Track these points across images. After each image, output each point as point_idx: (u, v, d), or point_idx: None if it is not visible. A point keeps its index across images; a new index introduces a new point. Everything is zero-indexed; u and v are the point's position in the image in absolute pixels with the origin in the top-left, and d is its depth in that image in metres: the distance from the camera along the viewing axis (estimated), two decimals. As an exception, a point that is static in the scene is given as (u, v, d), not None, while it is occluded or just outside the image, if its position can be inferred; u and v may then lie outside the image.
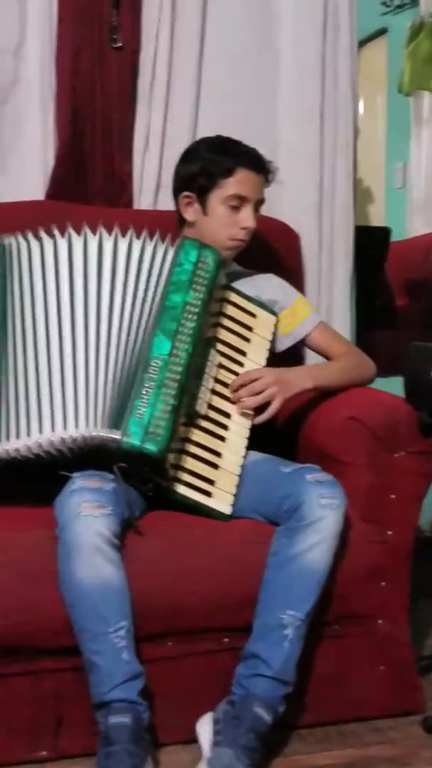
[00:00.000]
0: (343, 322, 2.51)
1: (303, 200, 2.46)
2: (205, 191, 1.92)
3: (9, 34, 2.21)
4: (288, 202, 2.43)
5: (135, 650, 1.53)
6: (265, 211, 2.06)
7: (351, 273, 2.54)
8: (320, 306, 2.47)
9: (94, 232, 1.77)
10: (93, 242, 1.76)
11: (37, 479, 1.68)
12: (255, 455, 1.81)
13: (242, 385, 1.78)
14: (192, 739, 1.62)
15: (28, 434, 1.63)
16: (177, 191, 1.99)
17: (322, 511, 1.61)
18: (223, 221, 1.92)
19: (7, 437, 1.65)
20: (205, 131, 2.22)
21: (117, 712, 1.49)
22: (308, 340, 2.01)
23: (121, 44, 2.29)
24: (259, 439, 1.82)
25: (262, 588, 1.62)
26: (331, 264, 2.50)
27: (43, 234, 1.77)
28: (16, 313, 1.72)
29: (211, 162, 1.92)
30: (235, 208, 1.92)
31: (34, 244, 1.76)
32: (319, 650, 1.73)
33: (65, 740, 1.61)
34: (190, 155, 2.00)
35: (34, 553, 1.57)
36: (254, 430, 1.80)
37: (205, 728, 1.60)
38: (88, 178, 2.30)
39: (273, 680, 1.57)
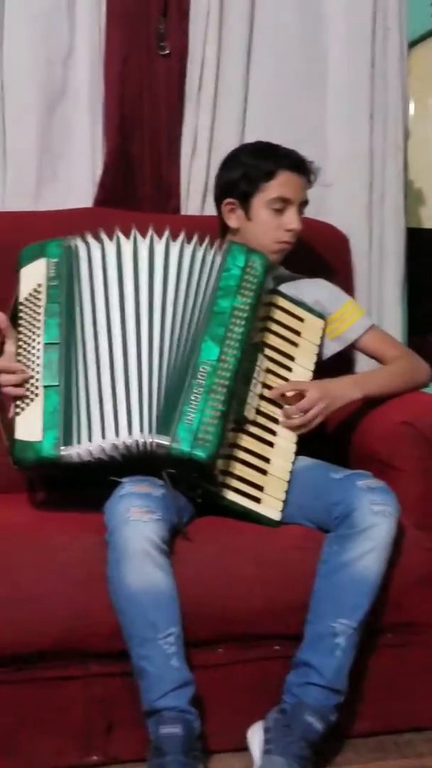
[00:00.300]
0: (394, 325, 2.48)
1: (353, 203, 2.44)
2: (248, 197, 1.91)
3: (59, 45, 2.24)
4: (337, 205, 2.42)
5: (185, 657, 1.53)
6: (314, 213, 2.05)
7: (402, 276, 2.52)
8: (371, 309, 2.45)
9: (144, 236, 1.78)
10: (143, 247, 1.77)
11: (86, 484, 1.69)
12: (305, 461, 1.79)
13: (285, 395, 1.76)
14: (243, 747, 1.61)
15: (89, 439, 1.64)
16: (219, 199, 1.99)
17: (374, 518, 1.59)
18: (267, 225, 1.91)
19: (78, 441, 1.64)
20: (253, 136, 2.22)
21: (168, 722, 1.48)
22: (359, 344, 1.99)
23: (168, 51, 2.30)
24: (310, 444, 1.81)
25: (313, 596, 1.61)
26: (381, 267, 2.48)
27: (103, 236, 1.78)
28: (85, 316, 1.73)
29: (251, 167, 1.92)
30: (279, 211, 1.91)
31: (95, 247, 1.78)
32: (373, 659, 1.71)
33: (116, 745, 1.61)
34: (230, 162, 1.99)
35: (84, 558, 1.57)
36: (305, 435, 1.78)
37: (255, 737, 1.59)
38: (136, 185, 2.31)
39: (325, 689, 1.56)
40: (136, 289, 1.74)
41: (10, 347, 1.72)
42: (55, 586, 1.55)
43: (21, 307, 1.74)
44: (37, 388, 1.67)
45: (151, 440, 1.62)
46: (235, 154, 2.01)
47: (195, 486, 1.67)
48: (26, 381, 1.68)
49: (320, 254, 2.23)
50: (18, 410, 1.68)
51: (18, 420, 1.67)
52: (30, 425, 1.65)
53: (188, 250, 1.78)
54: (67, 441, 1.63)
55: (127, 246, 1.77)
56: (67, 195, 2.27)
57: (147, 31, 2.28)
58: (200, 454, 1.59)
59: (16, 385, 1.69)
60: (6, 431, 1.70)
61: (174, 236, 1.78)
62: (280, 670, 1.61)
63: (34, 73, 2.22)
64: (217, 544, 1.64)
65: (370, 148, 2.44)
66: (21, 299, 1.74)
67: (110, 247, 1.78)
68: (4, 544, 1.58)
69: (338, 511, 1.62)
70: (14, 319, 1.75)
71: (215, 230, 1.99)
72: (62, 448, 1.62)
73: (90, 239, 1.79)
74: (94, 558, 1.55)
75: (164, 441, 1.61)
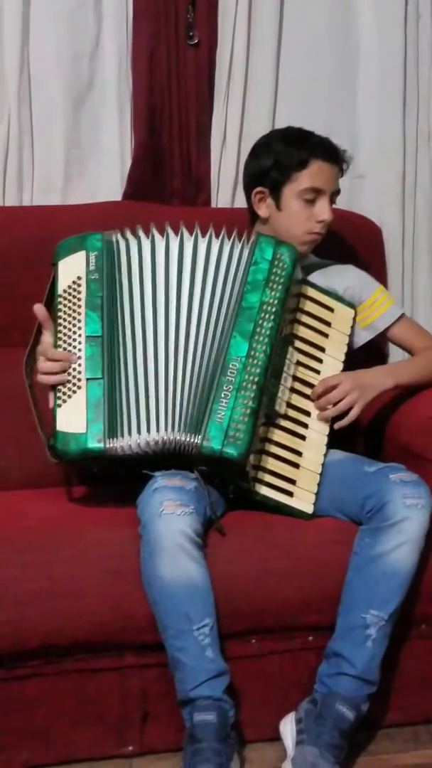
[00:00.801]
0: (426, 315, 2.47)
1: (386, 194, 2.43)
2: (279, 185, 1.87)
3: (86, 39, 2.24)
4: (370, 196, 2.40)
5: (219, 648, 1.54)
6: (346, 205, 2.03)
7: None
8: (403, 301, 2.44)
9: (175, 232, 1.77)
10: (174, 243, 1.76)
11: (118, 479, 1.69)
12: (338, 454, 1.79)
13: (323, 393, 1.75)
14: (277, 737, 1.62)
15: (131, 433, 1.64)
16: (248, 187, 1.94)
17: (407, 511, 1.58)
18: (298, 215, 1.88)
19: (122, 434, 1.65)
20: (284, 126, 2.20)
21: (202, 709, 1.49)
22: (389, 333, 1.97)
23: (197, 41, 2.29)
24: (344, 437, 1.80)
25: (345, 587, 1.61)
26: (413, 258, 2.46)
27: (141, 233, 1.78)
28: (125, 311, 1.73)
29: (283, 155, 1.87)
30: (311, 202, 1.87)
31: (133, 243, 1.77)
32: (407, 650, 1.71)
33: (151, 736, 1.63)
34: (260, 149, 1.94)
35: (119, 551, 1.58)
36: (343, 429, 1.77)
37: (288, 728, 1.60)
38: (166, 178, 2.31)
39: (356, 679, 1.56)
40: (167, 287, 1.73)
41: (47, 338, 1.71)
42: (90, 579, 1.56)
43: (60, 299, 1.73)
44: (79, 380, 1.66)
45: (178, 438, 1.62)
46: (267, 141, 1.95)
47: (227, 482, 1.67)
48: (66, 371, 1.67)
49: (354, 246, 2.22)
50: (59, 402, 1.66)
51: (59, 412, 1.65)
52: (73, 417, 1.64)
53: (215, 245, 1.76)
54: (112, 434, 1.63)
55: (160, 243, 1.76)
56: (95, 189, 2.27)
57: (175, 22, 2.27)
58: (231, 452, 1.59)
59: (56, 375, 1.67)
60: (41, 424, 1.70)
61: (203, 230, 1.77)
62: (314, 661, 1.62)
63: (61, 67, 2.22)
64: (251, 537, 1.65)
65: (403, 138, 2.42)
66: (60, 291, 1.73)
67: (146, 244, 1.76)
68: (39, 538, 1.60)
69: (371, 504, 1.62)
70: (50, 310, 1.74)
71: (245, 223, 1.97)
72: (108, 440, 1.62)
73: (129, 235, 1.78)
74: (128, 551, 1.56)
75: (195, 439, 1.61)
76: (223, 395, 1.62)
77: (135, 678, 1.61)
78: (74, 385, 1.66)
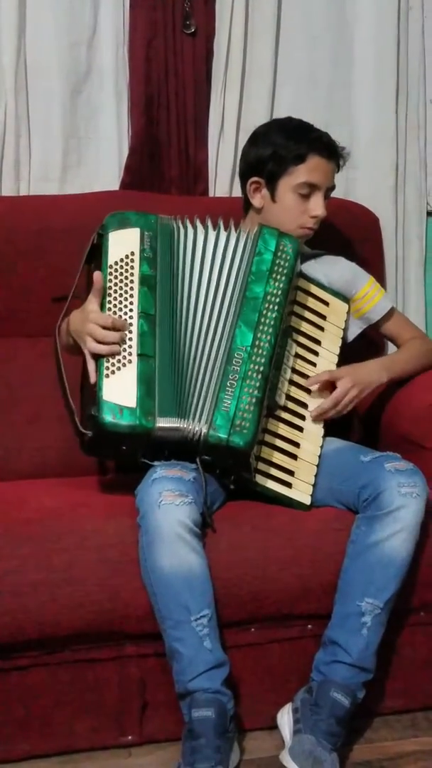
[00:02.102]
0: (416, 301, 2.49)
1: (379, 185, 2.43)
2: (275, 177, 1.86)
3: (82, 26, 2.22)
4: (364, 187, 2.40)
5: (218, 638, 1.54)
6: (341, 195, 2.01)
7: (423, 256, 2.51)
8: (396, 289, 2.44)
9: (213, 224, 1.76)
10: (209, 235, 1.75)
11: (118, 468, 1.69)
12: (335, 443, 1.79)
13: (321, 385, 1.76)
14: (276, 726, 1.63)
15: (173, 416, 1.61)
16: (245, 175, 1.93)
17: (402, 499, 1.59)
18: (292, 209, 1.87)
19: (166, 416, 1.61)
20: (282, 116, 2.18)
21: (200, 704, 1.49)
22: (380, 325, 1.99)
23: (194, 29, 2.27)
24: (342, 426, 1.81)
25: (341, 575, 1.61)
26: (405, 247, 2.47)
27: (188, 222, 1.77)
28: (177, 294, 1.71)
29: (282, 147, 1.85)
30: (305, 196, 1.86)
31: (189, 230, 1.75)
32: (405, 637, 1.72)
33: (150, 725, 1.63)
34: (259, 138, 1.92)
35: (118, 541, 1.58)
36: (336, 419, 1.78)
37: (285, 719, 1.61)
38: (163, 167, 2.30)
39: (352, 667, 1.57)
40: (193, 275, 1.73)
41: (94, 305, 1.66)
42: (90, 569, 1.56)
43: (110, 271, 1.69)
44: (130, 354, 1.63)
45: (184, 426, 1.61)
46: (266, 131, 1.93)
47: (229, 472, 1.67)
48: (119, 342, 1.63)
49: (352, 234, 2.22)
50: (107, 372, 1.61)
51: (106, 382, 1.60)
52: (121, 390, 1.59)
53: (223, 235, 1.75)
54: (162, 413, 1.60)
55: (200, 235, 1.75)
56: (93, 179, 2.26)
57: (172, 10, 2.25)
58: (238, 441, 1.59)
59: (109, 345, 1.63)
60: (69, 391, 1.67)
61: (202, 219, 1.77)
62: (313, 650, 1.63)
63: (58, 55, 2.21)
64: (251, 527, 1.65)
65: (396, 129, 2.42)
66: (110, 262, 1.69)
67: (190, 233, 1.75)
68: (39, 528, 1.60)
69: (366, 494, 1.62)
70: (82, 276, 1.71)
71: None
72: (158, 419, 1.59)
73: (179, 223, 1.76)
74: (127, 541, 1.57)
75: (202, 428, 1.61)
76: (228, 384, 1.62)
77: (134, 668, 1.61)
78: (124, 358, 1.63)
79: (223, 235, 1.76)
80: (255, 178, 1.89)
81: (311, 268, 1.91)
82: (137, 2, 2.23)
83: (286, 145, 1.85)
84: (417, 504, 1.60)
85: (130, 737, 1.63)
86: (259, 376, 1.63)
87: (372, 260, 2.21)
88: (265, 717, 1.65)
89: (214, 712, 1.48)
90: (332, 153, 1.88)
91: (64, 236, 2.02)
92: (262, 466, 1.69)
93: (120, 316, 1.65)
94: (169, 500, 1.52)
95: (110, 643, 1.60)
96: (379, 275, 2.26)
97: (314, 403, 1.76)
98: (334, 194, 1.93)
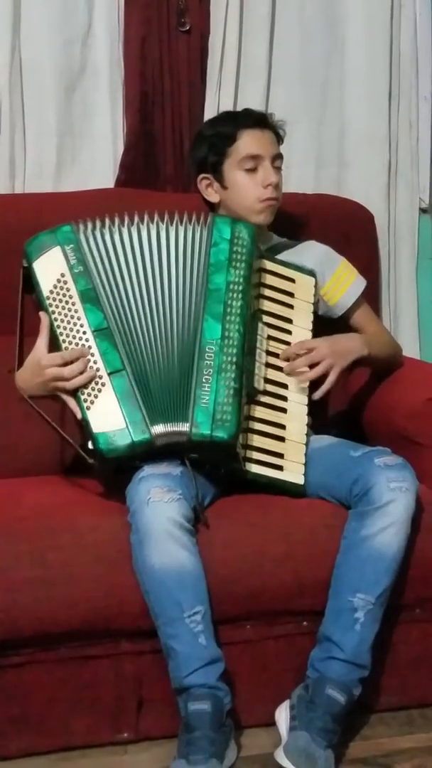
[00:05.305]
0: (408, 297, 2.50)
1: (372, 182, 2.43)
2: (218, 166, 1.90)
3: (77, 24, 2.22)
4: (356, 184, 2.40)
5: (214, 634, 1.54)
6: (334, 193, 2.01)
7: (415, 252, 2.51)
8: (389, 281, 2.45)
9: (162, 218, 1.76)
10: (144, 230, 1.75)
11: (107, 469, 1.68)
12: (327, 439, 1.79)
13: (297, 355, 1.75)
14: (273, 723, 1.63)
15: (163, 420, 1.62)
16: (195, 179, 1.97)
17: (392, 494, 1.59)
18: (244, 187, 1.89)
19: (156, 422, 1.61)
20: (275, 113, 2.18)
21: (197, 698, 1.49)
22: (351, 312, 1.98)
23: (189, 27, 2.28)
24: (336, 421, 1.80)
25: (334, 571, 1.62)
26: (396, 243, 2.48)
27: (107, 220, 1.76)
28: (117, 300, 1.70)
29: (214, 136, 1.92)
30: (253, 170, 1.89)
31: (105, 231, 1.75)
32: (401, 634, 1.72)
33: (146, 722, 1.63)
34: (195, 141, 2.00)
35: (112, 539, 1.58)
36: (329, 411, 1.78)
37: (282, 715, 1.61)
38: (158, 164, 2.30)
39: (346, 663, 1.57)
40: (138, 273, 1.72)
41: (39, 351, 1.65)
42: (84, 567, 1.56)
43: (49, 301, 1.68)
44: (101, 377, 1.62)
45: (165, 430, 1.60)
46: (198, 131, 2.01)
47: (219, 466, 1.67)
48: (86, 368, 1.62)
49: (348, 231, 2.22)
50: (87, 404, 1.61)
51: (90, 414, 1.60)
52: (107, 415, 1.59)
53: (180, 231, 1.75)
54: (153, 421, 1.60)
55: (124, 230, 1.75)
56: (88, 176, 2.26)
57: (167, 8, 2.26)
58: (221, 435, 1.59)
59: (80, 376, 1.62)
60: (63, 431, 1.68)
61: (161, 217, 1.76)
62: (309, 646, 1.63)
63: (52, 53, 2.21)
64: (245, 522, 1.65)
65: (389, 127, 2.43)
66: (45, 293, 1.69)
67: (115, 231, 1.74)
68: (34, 525, 1.60)
69: (357, 489, 1.62)
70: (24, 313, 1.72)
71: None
72: (152, 428, 1.59)
73: (97, 222, 1.75)
74: (121, 538, 1.56)
75: (183, 428, 1.60)
76: (204, 380, 1.62)
77: (130, 664, 1.61)
78: (97, 384, 1.62)
79: (172, 229, 1.75)
80: (203, 176, 1.94)
81: (285, 256, 1.91)
82: (131, 0, 2.23)
83: (216, 133, 1.92)
84: (406, 498, 1.60)
85: (126, 734, 1.63)
86: (234, 367, 1.63)
87: (367, 256, 2.21)
88: (262, 714, 1.65)
89: (210, 705, 1.48)
90: (262, 122, 1.93)
91: (59, 234, 2.01)
92: (250, 453, 1.68)
93: (77, 343, 1.64)
94: (157, 497, 1.52)
95: (105, 640, 1.60)
96: (374, 272, 2.26)
97: (294, 382, 1.76)
98: (327, 191, 1.94)
